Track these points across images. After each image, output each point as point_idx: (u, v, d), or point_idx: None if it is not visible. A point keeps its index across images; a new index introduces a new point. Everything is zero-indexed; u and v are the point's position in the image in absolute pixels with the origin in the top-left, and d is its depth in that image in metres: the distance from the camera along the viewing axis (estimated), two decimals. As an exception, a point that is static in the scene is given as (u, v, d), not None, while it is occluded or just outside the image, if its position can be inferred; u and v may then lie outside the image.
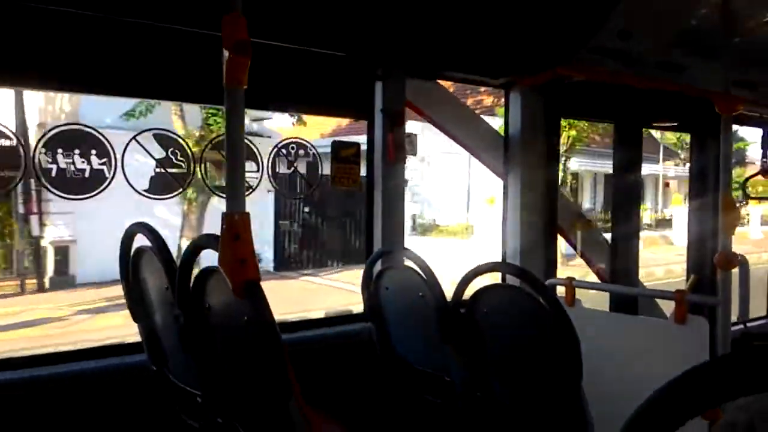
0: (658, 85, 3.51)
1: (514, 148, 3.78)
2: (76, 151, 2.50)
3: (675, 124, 4.65)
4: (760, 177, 4.53)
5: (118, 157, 2.57)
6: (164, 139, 2.72)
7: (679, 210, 23.75)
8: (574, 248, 4.35)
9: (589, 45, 3.22)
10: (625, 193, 4.46)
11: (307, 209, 15.72)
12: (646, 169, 25.76)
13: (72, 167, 2.52)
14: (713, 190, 4.50)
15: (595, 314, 3.28)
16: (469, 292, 2.53)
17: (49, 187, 2.52)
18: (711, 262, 4.60)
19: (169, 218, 11.59)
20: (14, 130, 2.47)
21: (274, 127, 15.16)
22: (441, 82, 3.67)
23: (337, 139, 3.28)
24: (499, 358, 2.40)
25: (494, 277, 3.16)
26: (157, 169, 2.65)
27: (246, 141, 2.48)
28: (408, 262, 2.92)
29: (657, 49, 3.15)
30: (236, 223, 1.52)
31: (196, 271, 1.85)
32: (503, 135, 3.85)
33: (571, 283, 3.40)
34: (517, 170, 3.77)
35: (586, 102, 3.96)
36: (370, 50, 3.12)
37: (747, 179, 4.40)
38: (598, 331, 3.07)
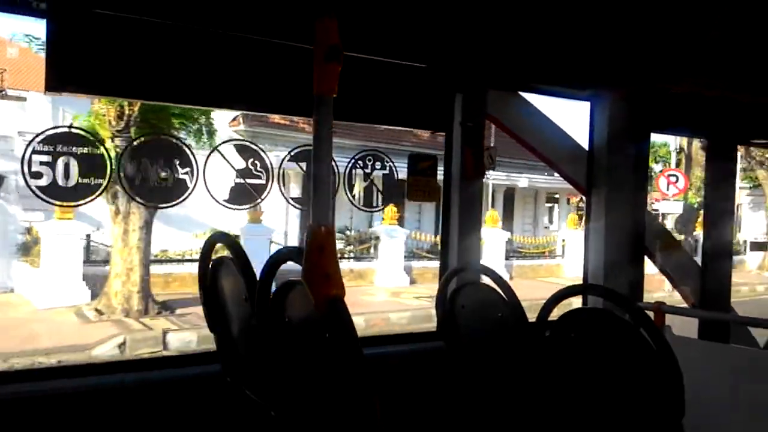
0: (759, 100, 3.27)
1: (599, 162, 3.60)
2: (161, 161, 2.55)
3: None
4: None
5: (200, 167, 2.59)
6: (245, 149, 2.73)
7: (571, 234, 20.63)
8: (661, 270, 4.09)
9: (682, 57, 3.03)
10: (719, 214, 4.17)
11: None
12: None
13: (154, 176, 2.57)
14: None
15: (687, 342, 3.05)
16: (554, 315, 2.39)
17: (131, 194, 2.57)
18: None
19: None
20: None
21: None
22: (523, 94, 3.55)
23: (415, 151, 3.23)
24: (588, 386, 2.24)
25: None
26: (237, 180, 2.66)
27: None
28: (486, 280, 2.80)
29: (760, 63, 2.92)
30: (321, 235, 1.47)
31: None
32: (587, 149, 3.68)
33: (660, 308, 3.18)
34: (601, 186, 3.58)
35: (678, 115, 3.73)
36: (452, 62, 3.05)
37: None
38: (692, 360, 2.85)
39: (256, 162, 2.67)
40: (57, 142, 2.40)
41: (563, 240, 21.60)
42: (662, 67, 3.07)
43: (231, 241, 2.05)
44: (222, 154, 2.69)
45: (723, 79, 3.15)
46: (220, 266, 2.18)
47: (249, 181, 2.67)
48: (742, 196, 27.95)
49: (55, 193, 2.41)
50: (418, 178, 3.15)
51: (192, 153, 2.62)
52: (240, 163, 2.66)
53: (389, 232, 17.35)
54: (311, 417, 1.80)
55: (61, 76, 2.30)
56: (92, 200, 2.44)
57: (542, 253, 21.65)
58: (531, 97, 3.58)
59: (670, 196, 19.81)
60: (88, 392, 2.37)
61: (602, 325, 2.17)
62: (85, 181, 2.40)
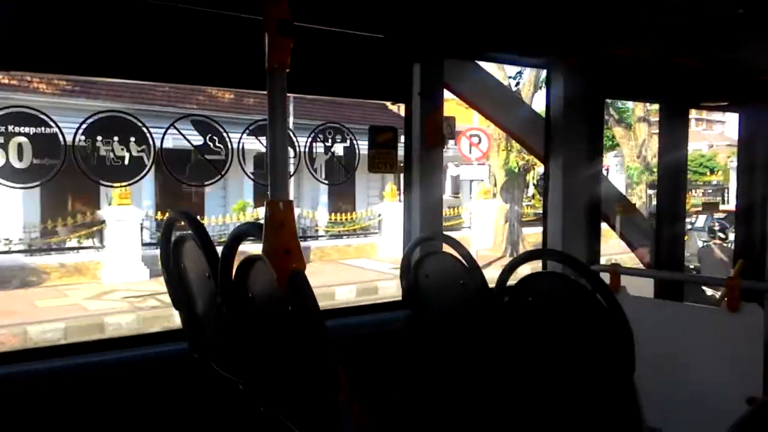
0: (711, 63, 3.35)
1: (556, 130, 3.66)
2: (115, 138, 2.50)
3: (725, 103, 4.45)
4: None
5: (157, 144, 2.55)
6: (202, 124, 2.69)
7: (389, 207, 17.55)
8: (618, 234, 4.22)
9: (634, 23, 3.08)
10: (671, 177, 4.30)
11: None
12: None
13: (111, 155, 2.52)
14: (763, 174, 4.32)
15: (642, 302, 3.17)
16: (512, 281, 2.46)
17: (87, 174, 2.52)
18: (759, 247, 4.43)
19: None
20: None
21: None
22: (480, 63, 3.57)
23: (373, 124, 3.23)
24: (545, 348, 2.32)
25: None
26: (196, 156, 2.63)
27: None
28: (447, 248, 2.86)
29: (708, 27, 2.99)
30: (280, 211, 1.48)
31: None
32: (544, 118, 3.73)
33: (615, 270, 3.29)
34: (558, 154, 3.66)
35: (631, 81, 3.81)
36: (408, 32, 3.04)
37: None
38: (645, 319, 2.96)
39: (214, 137, 2.64)
40: (8, 123, 2.34)
41: (379, 214, 18.22)
42: (613, 34, 3.12)
43: (191, 219, 2.04)
44: (178, 130, 2.65)
45: (672, 45, 3.22)
46: (182, 244, 2.17)
47: (208, 156, 2.64)
48: (609, 157, 26.81)
49: (7, 174, 2.36)
50: (379, 150, 3.16)
51: (148, 130, 2.57)
52: (198, 140, 2.63)
53: (117, 214, 13.68)
54: (278, 388, 1.84)
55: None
56: (47, 181, 2.39)
57: (354, 231, 18.28)
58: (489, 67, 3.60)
59: (473, 160, 16.89)
60: (53, 374, 2.36)
61: (557, 288, 2.24)
62: (39, 161, 2.35)
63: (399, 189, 17.25)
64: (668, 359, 2.78)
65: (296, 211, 15.56)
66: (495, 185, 18.92)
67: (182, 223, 2.09)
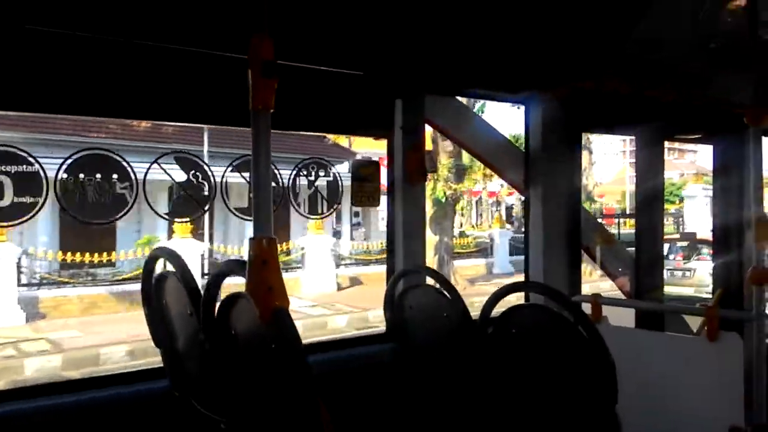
0: (683, 97, 3.46)
1: (535, 163, 3.73)
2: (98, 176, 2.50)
3: (698, 136, 4.57)
4: None
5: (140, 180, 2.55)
6: (184, 161, 2.71)
7: (313, 240, 16.64)
8: (599, 264, 4.28)
9: (610, 58, 3.18)
10: (648, 207, 4.39)
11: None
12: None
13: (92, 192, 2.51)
14: (737, 204, 4.41)
15: (623, 332, 3.20)
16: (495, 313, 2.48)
17: (69, 211, 2.51)
18: (738, 276, 4.50)
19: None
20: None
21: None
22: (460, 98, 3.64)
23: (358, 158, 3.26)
24: (528, 379, 2.33)
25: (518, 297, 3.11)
26: (179, 192, 2.63)
27: None
28: (430, 281, 2.87)
29: (682, 61, 3.10)
30: (263, 248, 1.49)
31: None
32: (524, 150, 3.81)
33: (597, 300, 3.33)
34: (538, 186, 3.72)
35: (607, 115, 3.91)
36: (389, 69, 3.10)
37: None
38: (627, 349, 2.98)
39: (198, 173, 2.66)
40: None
41: (302, 248, 17.17)
42: (587, 69, 3.21)
43: (174, 255, 2.04)
44: (161, 166, 2.66)
45: (645, 80, 3.32)
46: (164, 281, 2.17)
47: (191, 192, 2.65)
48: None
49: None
50: (362, 183, 3.19)
51: (130, 166, 2.58)
52: (181, 176, 2.64)
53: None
54: (261, 427, 1.82)
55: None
56: (27, 220, 2.38)
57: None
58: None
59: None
60: (30, 415, 2.31)
61: (540, 320, 2.27)
62: (21, 200, 2.34)
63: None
64: (650, 389, 2.80)
65: (215, 246, 14.89)
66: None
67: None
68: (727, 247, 4.57)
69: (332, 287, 17.15)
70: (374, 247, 19.58)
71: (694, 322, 3.99)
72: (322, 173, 3.16)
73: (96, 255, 14.71)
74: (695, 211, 24.77)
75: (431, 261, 17.29)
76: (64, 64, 2.37)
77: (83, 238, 14.33)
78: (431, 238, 17.20)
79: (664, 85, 3.48)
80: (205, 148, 14.85)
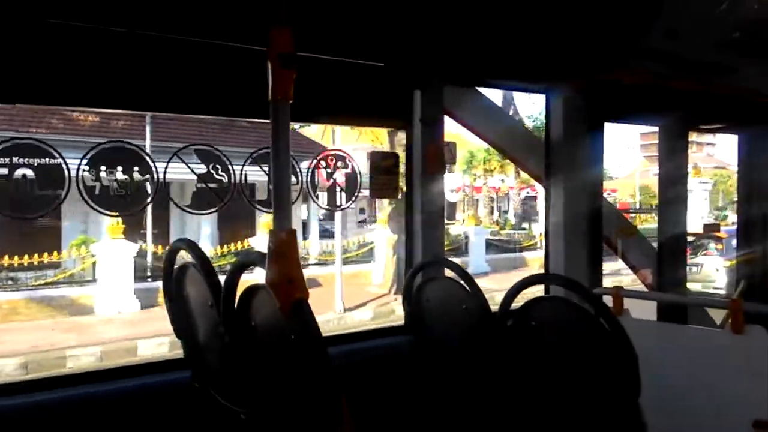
0: (708, 87, 3.39)
1: (556, 154, 3.69)
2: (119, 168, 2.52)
3: (723, 125, 4.49)
4: None
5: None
6: (205, 154, 2.72)
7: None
8: (620, 256, 4.22)
9: (633, 47, 3.12)
10: (672, 199, 4.32)
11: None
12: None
13: (115, 184, 2.53)
14: (763, 195, 4.33)
15: (645, 325, 3.16)
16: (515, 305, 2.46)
17: (91, 203, 2.54)
18: (761, 267, 4.42)
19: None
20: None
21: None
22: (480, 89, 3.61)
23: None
24: (549, 373, 2.31)
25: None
26: (199, 185, 2.65)
27: None
28: (449, 273, 2.86)
29: (707, 50, 3.03)
30: (283, 240, 1.49)
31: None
32: (544, 141, 3.76)
33: (618, 293, 3.29)
34: (559, 177, 3.68)
35: (630, 105, 3.85)
36: (409, 60, 3.08)
37: None
38: (649, 342, 2.95)
39: (218, 165, 2.67)
40: (13, 154, 2.35)
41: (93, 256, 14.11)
42: (610, 59, 3.16)
43: (194, 247, 2.05)
44: (182, 159, 2.67)
45: (669, 69, 3.26)
46: (185, 273, 2.18)
47: (211, 185, 2.66)
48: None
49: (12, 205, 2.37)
50: (381, 176, 3.18)
51: (151, 159, 2.60)
52: (201, 168, 2.66)
53: None
54: (281, 417, 1.83)
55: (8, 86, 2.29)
56: (49, 210, 2.41)
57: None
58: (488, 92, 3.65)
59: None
60: (54, 406, 2.34)
61: (560, 312, 2.25)
62: (44, 192, 2.36)
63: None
64: (673, 382, 2.76)
65: (150, 246, 13.90)
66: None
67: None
68: (751, 239, 4.49)
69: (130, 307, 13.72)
70: (349, 245, 18.58)
71: (718, 316, 3.93)
72: (340, 165, 3.16)
73: (36, 256, 13.78)
74: (693, 205, 24.98)
75: (391, 261, 16.25)
76: (83, 57, 2.39)
77: (27, 237, 13.78)
78: (390, 237, 16.32)
79: (688, 75, 3.41)
80: (148, 142, 14.37)
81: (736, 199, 4.81)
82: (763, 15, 2.73)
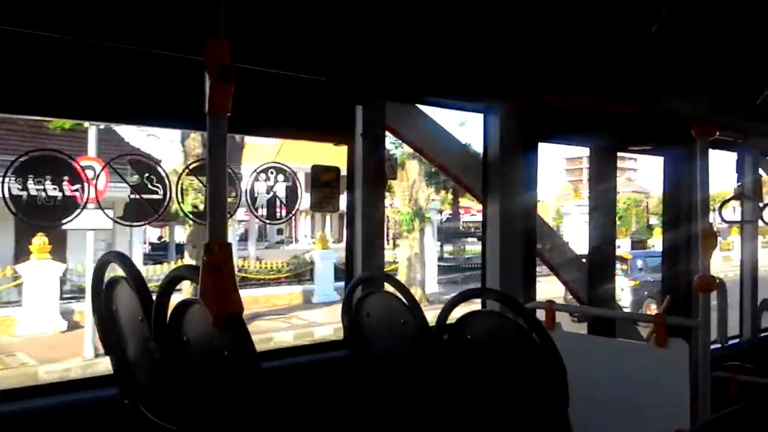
0: (636, 109, 3.56)
1: (493, 171, 3.79)
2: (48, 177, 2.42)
3: (650, 147, 4.73)
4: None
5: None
6: (138, 164, 2.65)
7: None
8: (553, 271, 4.36)
9: (567, 71, 3.26)
10: (601, 217, 4.51)
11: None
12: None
13: (43, 194, 2.44)
14: (686, 215, 4.56)
15: (575, 338, 3.27)
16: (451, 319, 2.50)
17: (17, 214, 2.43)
18: (685, 283, 4.66)
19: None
20: None
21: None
22: (421, 107, 3.67)
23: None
24: (483, 385, 2.36)
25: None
26: (132, 195, 2.57)
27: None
28: (389, 288, 2.88)
29: (635, 75, 3.20)
30: (217, 254, 1.47)
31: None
32: (482, 159, 3.86)
33: (551, 307, 3.39)
34: (495, 194, 3.78)
35: (563, 126, 4.00)
36: (351, 75, 3.11)
37: (723, 204, 4.48)
38: (579, 354, 3.05)
39: (152, 176, 2.60)
40: None
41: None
42: (544, 81, 3.29)
43: (125, 260, 1.99)
44: (114, 169, 2.59)
45: (599, 92, 3.42)
46: (115, 286, 2.12)
47: (145, 196, 2.59)
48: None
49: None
50: (321, 189, 3.18)
51: (82, 168, 2.52)
52: (134, 178, 2.59)
53: None
54: None
55: None
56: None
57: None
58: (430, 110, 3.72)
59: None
60: None
61: (494, 326, 2.30)
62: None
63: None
64: (601, 393, 2.86)
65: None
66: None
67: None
68: (676, 256, 4.72)
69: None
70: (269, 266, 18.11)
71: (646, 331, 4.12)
72: (281, 178, 3.14)
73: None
74: (572, 228, 24.71)
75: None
76: (10, 62, 2.30)
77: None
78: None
79: (618, 98, 3.58)
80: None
81: (649, 222, 5.06)
82: (688, 44, 2.91)
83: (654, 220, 38.46)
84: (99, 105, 2.54)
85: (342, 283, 16.79)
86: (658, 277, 16.76)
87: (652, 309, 14.74)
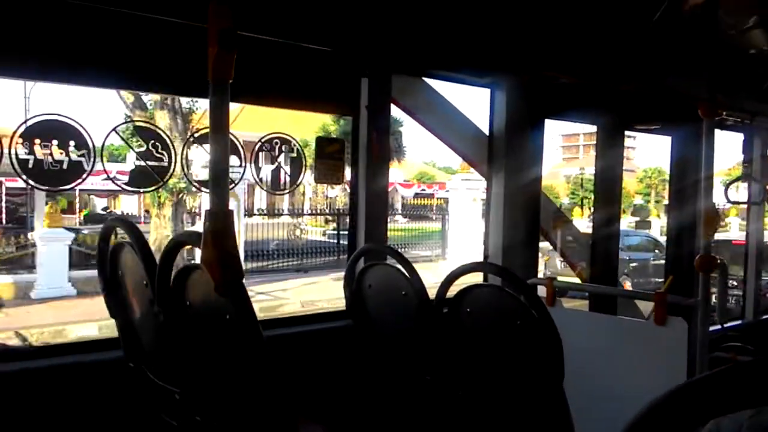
0: (642, 88, 3.54)
1: (498, 147, 3.78)
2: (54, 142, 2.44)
3: (657, 126, 4.69)
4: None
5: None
6: (144, 131, 2.67)
7: None
8: (555, 247, 4.38)
9: (575, 47, 3.23)
10: (606, 195, 4.50)
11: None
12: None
13: (49, 158, 2.46)
14: (693, 194, 4.54)
15: (575, 314, 3.30)
16: (452, 292, 2.53)
17: (24, 177, 2.46)
18: (688, 263, 4.67)
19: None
20: None
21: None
22: (427, 80, 3.66)
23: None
24: (480, 357, 2.40)
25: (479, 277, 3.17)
26: (137, 162, 2.59)
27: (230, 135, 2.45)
28: (391, 260, 2.91)
29: (642, 54, 3.17)
30: (219, 221, 1.49)
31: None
32: (488, 134, 3.85)
33: (551, 283, 3.42)
34: (500, 169, 3.78)
35: (570, 103, 3.98)
36: (357, 46, 3.09)
37: (729, 184, 4.46)
38: (578, 331, 3.10)
39: (157, 144, 2.62)
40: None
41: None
42: (551, 58, 3.26)
43: (130, 225, 2.02)
44: (120, 135, 2.61)
45: (606, 71, 3.39)
46: (120, 251, 2.15)
47: (150, 163, 2.61)
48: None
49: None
50: (325, 161, 3.19)
51: (88, 133, 2.53)
52: (140, 145, 2.60)
53: None
54: (216, 397, 1.83)
55: None
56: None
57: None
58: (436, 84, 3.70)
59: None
60: None
61: (492, 299, 2.33)
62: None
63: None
64: (599, 369, 2.90)
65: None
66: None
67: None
68: (680, 235, 4.72)
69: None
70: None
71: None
72: (285, 148, 3.15)
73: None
74: (458, 206, 20.38)
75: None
76: (9, 26, 2.31)
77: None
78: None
79: (624, 77, 3.55)
80: None
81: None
82: (694, 23, 2.87)
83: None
84: (102, 71, 2.54)
85: (84, 272, 13.73)
86: (633, 255, 16.85)
87: (627, 286, 14.77)
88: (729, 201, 4.63)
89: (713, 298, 3.13)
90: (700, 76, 2.80)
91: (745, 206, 5.38)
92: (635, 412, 0.68)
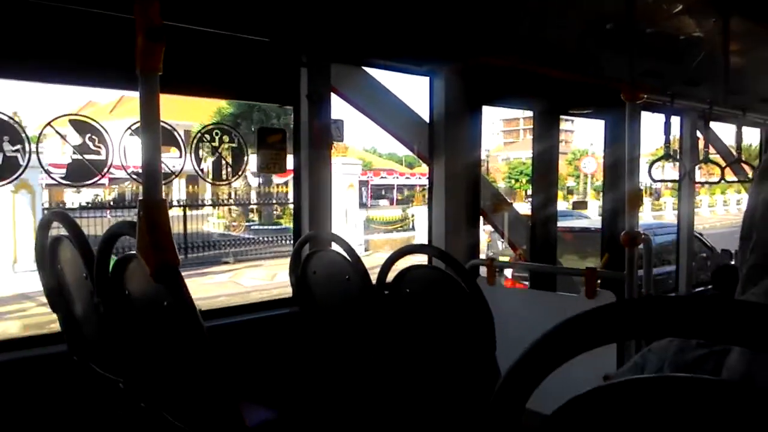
0: (571, 74, 3.69)
1: (439, 134, 3.89)
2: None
3: (590, 110, 4.89)
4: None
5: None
6: (80, 124, 2.65)
7: None
8: (496, 229, 4.53)
9: (508, 34, 3.35)
10: (544, 177, 4.68)
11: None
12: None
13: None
14: (623, 177, 4.76)
15: (514, 292, 3.46)
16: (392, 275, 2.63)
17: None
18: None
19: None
20: None
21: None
22: (367, 69, 3.72)
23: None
24: (420, 334, 2.51)
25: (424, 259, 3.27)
26: (74, 156, 2.58)
27: (167, 127, 2.47)
28: (335, 246, 2.98)
29: (570, 39, 3.31)
30: (153, 210, 1.53)
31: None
32: (428, 122, 3.95)
33: (492, 263, 3.57)
34: (441, 156, 3.89)
35: (506, 90, 4.12)
36: (294, 36, 3.13)
37: (652, 163, 4.69)
38: (516, 306, 3.26)
39: (94, 137, 2.60)
40: None
41: None
42: (487, 44, 3.37)
43: (66, 218, 2.03)
44: (55, 129, 2.59)
45: (538, 56, 3.53)
46: (58, 245, 2.15)
47: (87, 156, 2.60)
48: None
49: None
50: (267, 151, 3.23)
51: (23, 129, 2.50)
52: (76, 139, 2.58)
53: None
54: (159, 384, 1.88)
55: None
56: None
57: None
58: (376, 73, 3.77)
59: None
60: None
61: (429, 279, 2.44)
62: None
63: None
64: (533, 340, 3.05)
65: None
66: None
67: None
68: (614, 214, 4.95)
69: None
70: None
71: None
72: (226, 139, 3.17)
73: None
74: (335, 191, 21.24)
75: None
76: None
77: None
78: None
79: (558, 63, 3.70)
80: None
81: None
82: (618, 9, 3.02)
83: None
84: (29, 63, 2.50)
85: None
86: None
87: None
88: (652, 179, 4.87)
89: (640, 272, 3.32)
90: (624, 60, 2.96)
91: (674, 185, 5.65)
92: (566, 376, 0.76)
